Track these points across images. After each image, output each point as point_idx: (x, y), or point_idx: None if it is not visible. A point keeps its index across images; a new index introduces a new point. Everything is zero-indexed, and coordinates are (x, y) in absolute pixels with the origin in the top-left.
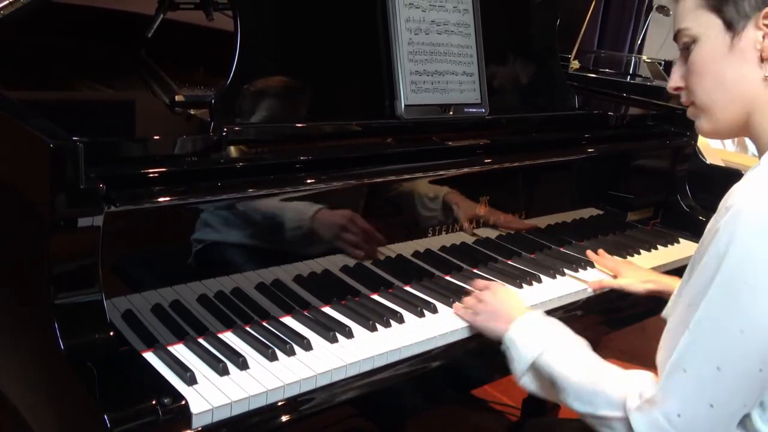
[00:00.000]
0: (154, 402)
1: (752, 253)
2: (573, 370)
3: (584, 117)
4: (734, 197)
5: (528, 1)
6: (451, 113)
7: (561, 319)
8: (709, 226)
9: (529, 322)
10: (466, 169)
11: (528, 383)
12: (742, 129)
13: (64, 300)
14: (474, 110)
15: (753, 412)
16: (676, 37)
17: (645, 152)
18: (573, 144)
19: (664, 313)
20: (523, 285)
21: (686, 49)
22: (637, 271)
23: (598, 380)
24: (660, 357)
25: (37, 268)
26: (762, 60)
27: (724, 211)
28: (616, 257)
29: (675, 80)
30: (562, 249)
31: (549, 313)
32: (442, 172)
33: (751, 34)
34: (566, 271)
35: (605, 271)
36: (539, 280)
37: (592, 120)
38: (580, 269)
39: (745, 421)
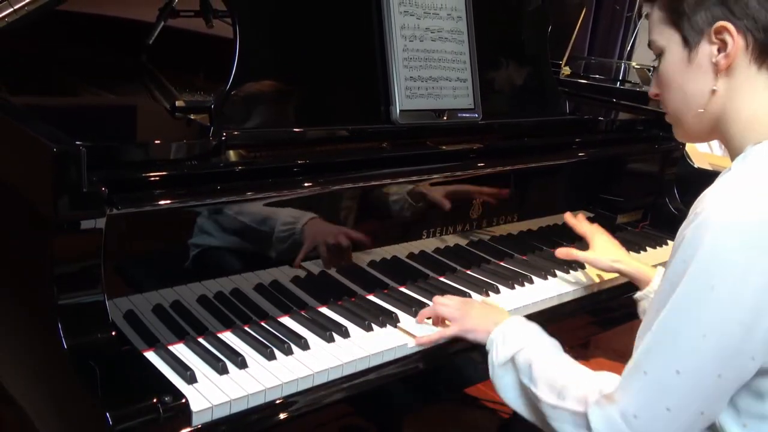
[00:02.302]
0: (155, 400)
1: (718, 259)
2: (551, 363)
3: (575, 122)
4: (703, 203)
5: (520, 9)
6: (445, 118)
7: (553, 318)
8: (680, 230)
9: (514, 322)
10: (459, 173)
11: (503, 377)
12: (714, 134)
13: (67, 300)
14: (467, 115)
15: (726, 421)
16: (650, 45)
17: (634, 156)
18: (564, 148)
19: (636, 296)
20: (515, 286)
21: (658, 60)
22: (608, 247)
23: (573, 375)
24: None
25: (40, 269)
26: (717, 73)
27: (693, 216)
28: (596, 225)
29: (653, 87)
30: (553, 251)
31: (541, 313)
32: (436, 176)
33: (705, 49)
34: (557, 272)
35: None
36: (531, 281)
37: (583, 125)
38: (571, 270)
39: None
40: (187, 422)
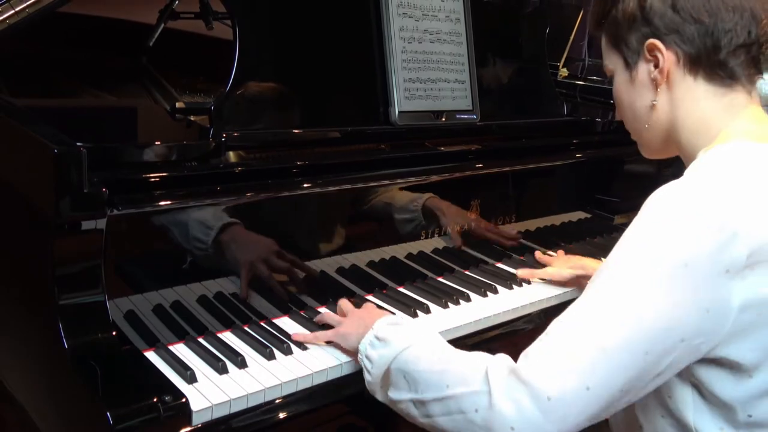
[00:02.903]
0: (155, 399)
1: (660, 244)
2: (425, 360)
3: (572, 123)
4: (654, 195)
5: (518, 11)
6: (443, 119)
7: (551, 319)
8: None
9: (382, 332)
10: (457, 174)
11: (380, 391)
12: (672, 147)
13: (68, 301)
14: (466, 116)
15: (701, 423)
16: (605, 71)
17: (631, 157)
18: (561, 149)
19: None
20: (513, 286)
21: (611, 82)
22: (566, 260)
23: (451, 362)
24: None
25: (41, 269)
26: (657, 88)
27: (641, 210)
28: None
29: (617, 111)
30: (550, 252)
31: (539, 313)
32: (434, 177)
33: (643, 67)
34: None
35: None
36: (529, 282)
37: (580, 126)
38: None
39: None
40: (187, 421)
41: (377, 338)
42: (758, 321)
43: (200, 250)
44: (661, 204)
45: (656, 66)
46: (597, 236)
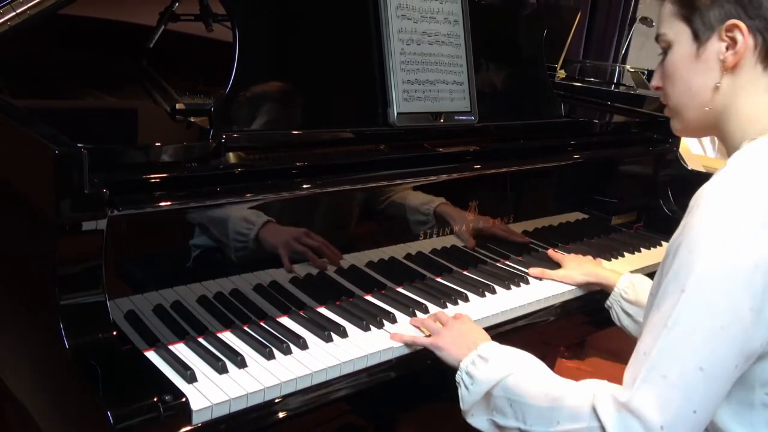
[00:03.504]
0: (155, 399)
1: (723, 248)
2: (532, 390)
3: (570, 124)
4: (701, 197)
5: (516, 13)
6: (441, 121)
7: (548, 318)
8: (681, 224)
9: (485, 355)
10: (456, 175)
11: (480, 415)
12: (712, 130)
13: (69, 301)
14: (464, 118)
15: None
16: (657, 39)
17: (629, 158)
18: (559, 150)
19: (606, 304)
20: (511, 286)
21: (664, 53)
22: (579, 264)
23: (558, 396)
24: (631, 364)
25: (43, 269)
26: (723, 70)
27: (691, 208)
28: (569, 255)
29: (656, 80)
30: (549, 252)
31: (537, 313)
32: (433, 178)
33: (714, 45)
34: (553, 273)
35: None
36: (527, 282)
37: (578, 127)
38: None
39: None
40: (187, 421)
41: (480, 357)
42: None
43: (200, 250)
44: (716, 209)
45: (728, 48)
46: (594, 236)
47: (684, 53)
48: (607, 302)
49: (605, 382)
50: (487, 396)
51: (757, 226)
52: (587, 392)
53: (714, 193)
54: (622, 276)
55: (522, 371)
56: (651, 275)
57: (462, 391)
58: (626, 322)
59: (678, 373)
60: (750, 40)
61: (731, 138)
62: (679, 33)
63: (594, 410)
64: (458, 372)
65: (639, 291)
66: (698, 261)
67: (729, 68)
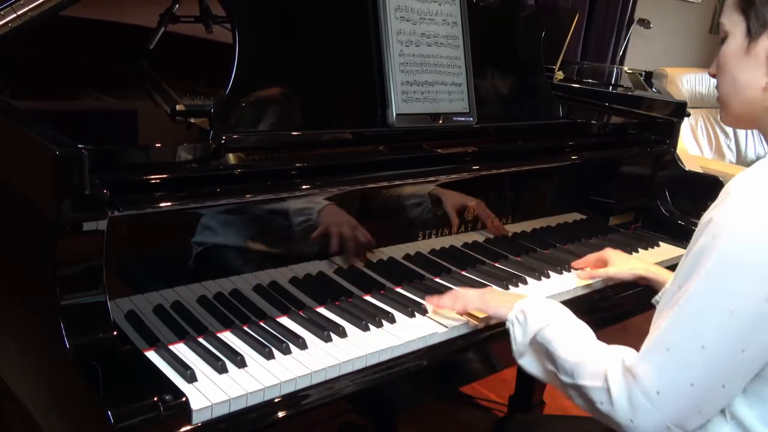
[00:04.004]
0: (155, 399)
1: (746, 237)
2: (565, 344)
3: (568, 125)
4: (732, 186)
5: (515, 15)
6: (440, 122)
7: None
8: (708, 210)
9: (535, 300)
10: (455, 176)
11: (528, 358)
12: (755, 124)
13: (70, 301)
14: (462, 119)
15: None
16: (718, 26)
17: (626, 159)
18: (557, 151)
19: (655, 299)
20: (510, 287)
21: (722, 42)
22: (625, 258)
23: (584, 354)
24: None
25: (43, 270)
26: None
27: (723, 196)
28: (592, 254)
29: (712, 67)
30: (547, 252)
31: None
32: (431, 179)
33: (764, 43)
34: (551, 273)
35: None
36: (525, 282)
37: (576, 128)
38: (564, 271)
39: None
40: (187, 420)
41: (531, 301)
42: None
43: (200, 250)
44: (745, 197)
45: None
46: (592, 237)
47: (736, 46)
48: (655, 299)
49: (628, 349)
50: (534, 339)
51: None
52: (607, 356)
53: (746, 183)
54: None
55: (560, 324)
56: None
57: (516, 330)
58: None
59: (680, 348)
60: None
61: None
62: (735, 25)
63: (606, 373)
64: (512, 312)
65: None
66: (719, 245)
67: None
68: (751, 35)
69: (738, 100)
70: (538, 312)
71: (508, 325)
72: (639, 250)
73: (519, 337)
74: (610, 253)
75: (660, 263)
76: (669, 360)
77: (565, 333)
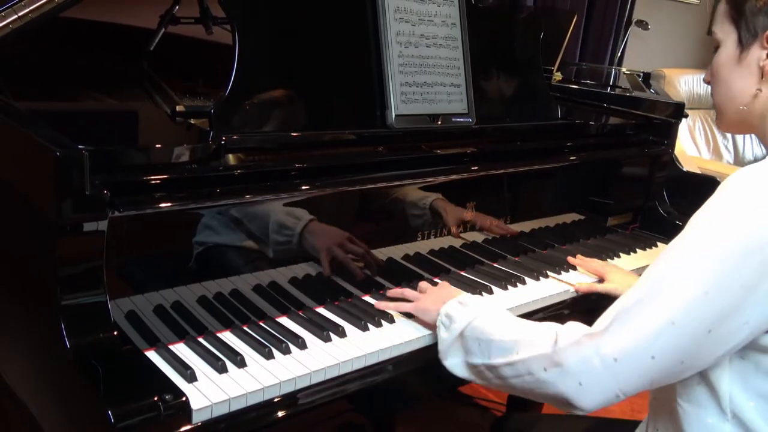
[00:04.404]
0: (156, 398)
1: (736, 226)
2: (499, 327)
3: (567, 126)
4: (729, 178)
5: (513, 16)
6: (439, 123)
7: (545, 319)
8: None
9: (461, 301)
10: (453, 176)
11: (454, 360)
12: (751, 130)
13: (70, 301)
14: (461, 120)
15: (734, 393)
16: (710, 34)
17: (624, 160)
18: (556, 152)
19: None
20: (508, 287)
21: (715, 50)
22: (623, 276)
23: (523, 329)
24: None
25: (44, 270)
26: (762, 77)
27: (721, 187)
28: (596, 260)
29: (706, 74)
30: (545, 252)
31: (533, 313)
32: (430, 179)
33: (756, 52)
34: (549, 273)
35: (589, 275)
36: (524, 282)
37: (574, 129)
38: (562, 272)
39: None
40: (188, 420)
41: (459, 302)
42: None
43: (200, 250)
44: (740, 184)
45: None
46: (590, 237)
47: (728, 55)
48: None
49: (578, 323)
50: (461, 337)
51: None
52: (553, 326)
53: (743, 177)
54: None
55: (490, 313)
56: None
57: (441, 334)
58: None
59: (649, 319)
60: None
61: None
62: (727, 34)
63: (555, 337)
64: (438, 317)
65: None
66: (702, 228)
67: (767, 76)
68: (743, 45)
69: (732, 107)
70: (464, 310)
71: (437, 329)
72: (637, 250)
73: (445, 338)
74: (606, 269)
75: None
76: (636, 330)
77: (496, 318)
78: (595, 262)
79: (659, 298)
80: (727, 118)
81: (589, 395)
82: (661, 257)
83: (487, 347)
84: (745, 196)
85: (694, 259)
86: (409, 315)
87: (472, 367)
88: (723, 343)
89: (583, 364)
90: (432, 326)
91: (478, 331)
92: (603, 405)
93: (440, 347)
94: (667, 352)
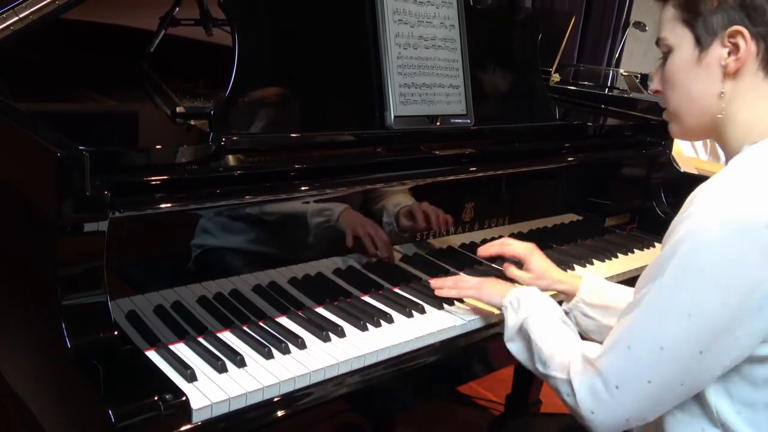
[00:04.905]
0: (156, 398)
1: (708, 246)
2: (543, 335)
3: (564, 127)
4: (698, 195)
5: (512, 18)
6: (438, 124)
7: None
8: (674, 220)
9: (530, 290)
10: (452, 177)
11: (517, 344)
12: (711, 134)
13: (71, 301)
14: (460, 121)
15: (720, 404)
16: (658, 43)
17: (622, 161)
18: (554, 153)
19: (572, 321)
20: None
21: (664, 57)
22: (543, 269)
23: (557, 346)
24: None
25: (44, 270)
26: (725, 76)
27: (687, 206)
28: (529, 243)
29: (655, 83)
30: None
31: None
32: (429, 180)
33: (717, 51)
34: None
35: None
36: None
37: (572, 130)
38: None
39: (711, 414)
40: (188, 419)
41: (524, 291)
42: None
43: (200, 251)
44: (708, 206)
45: (730, 54)
46: (588, 238)
47: (685, 58)
48: (566, 306)
49: (588, 343)
50: (522, 325)
51: (746, 228)
52: (575, 349)
53: (711, 193)
54: (585, 278)
55: (544, 316)
56: None
57: (509, 314)
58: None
59: (640, 347)
60: (753, 47)
61: (730, 143)
62: (680, 38)
63: (569, 365)
64: (506, 298)
65: (601, 295)
66: (681, 250)
67: (730, 74)
68: (702, 45)
69: (692, 111)
70: (530, 301)
71: (503, 309)
72: (635, 250)
73: (511, 322)
74: (534, 259)
75: None
76: (629, 358)
77: (546, 325)
78: (517, 246)
79: (646, 324)
80: (686, 124)
81: (602, 423)
82: (645, 278)
83: (534, 349)
84: (718, 214)
85: (671, 284)
86: (409, 315)
87: (531, 361)
88: (717, 362)
89: (592, 396)
90: (497, 306)
91: (530, 328)
92: (616, 430)
93: (507, 330)
94: (662, 376)
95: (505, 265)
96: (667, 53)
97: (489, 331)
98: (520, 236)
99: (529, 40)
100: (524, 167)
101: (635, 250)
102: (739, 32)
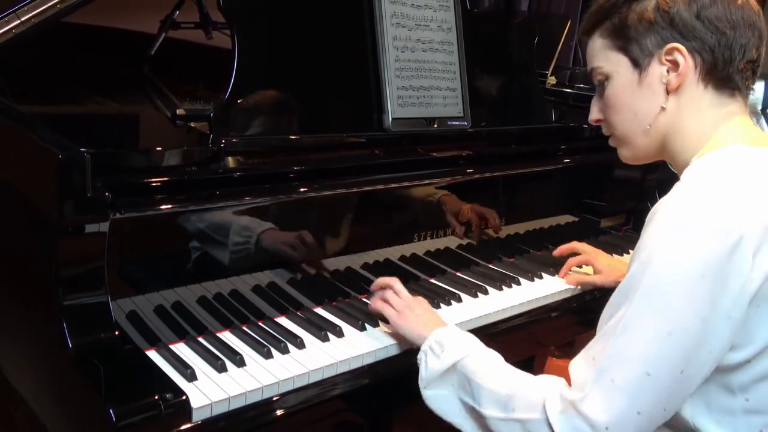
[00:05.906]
0: (156, 397)
1: (674, 259)
2: (491, 375)
3: (560, 129)
4: (657, 211)
5: (508, 21)
6: (435, 126)
7: (539, 319)
8: (639, 242)
9: (452, 330)
10: (449, 179)
11: (436, 392)
12: (661, 153)
13: (72, 301)
14: (457, 123)
15: (701, 419)
16: (591, 74)
17: (617, 162)
18: (550, 155)
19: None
20: (503, 287)
21: (601, 85)
22: (612, 268)
23: (514, 384)
24: (577, 361)
25: (46, 271)
26: (668, 92)
27: (647, 223)
28: (578, 244)
29: (594, 113)
30: (539, 253)
31: (528, 314)
32: (427, 182)
33: (656, 70)
34: (544, 274)
35: (580, 271)
36: (518, 283)
37: (568, 132)
38: (556, 273)
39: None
40: (188, 418)
41: (451, 332)
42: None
43: (200, 251)
44: (667, 220)
45: (669, 71)
46: (584, 239)
47: (625, 82)
48: None
49: (559, 380)
50: (453, 368)
51: (705, 236)
52: (542, 386)
53: (667, 207)
54: None
55: (482, 355)
56: None
57: (429, 360)
58: None
59: (625, 377)
60: (690, 61)
61: (680, 156)
62: (616, 64)
63: (544, 405)
64: (427, 340)
65: None
66: (648, 270)
67: (673, 90)
68: (640, 66)
69: (640, 131)
70: (459, 341)
71: (421, 354)
72: (629, 251)
73: (434, 366)
74: (600, 260)
75: None
76: (616, 391)
77: (491, 363)
78: (583, 246)
79: (630, 350)
80: (637, 146)
81: None
82: (617, 300)
83: (478, 392)
84: (677, 231)
85: (647, 306)
86: None
87: (463, 404)
88: (693, 379)
89: None
90: (408, 342)
91: (468, 370)
92: None
93: (425, 375)
94: (649, 404)
95: (567, 275)
96: (603, 81)
97: (486, 331)
98: (516, 237)
99: (526, 44)
100: (520, 169)
101: (630, 251)
102: (676, 49)
